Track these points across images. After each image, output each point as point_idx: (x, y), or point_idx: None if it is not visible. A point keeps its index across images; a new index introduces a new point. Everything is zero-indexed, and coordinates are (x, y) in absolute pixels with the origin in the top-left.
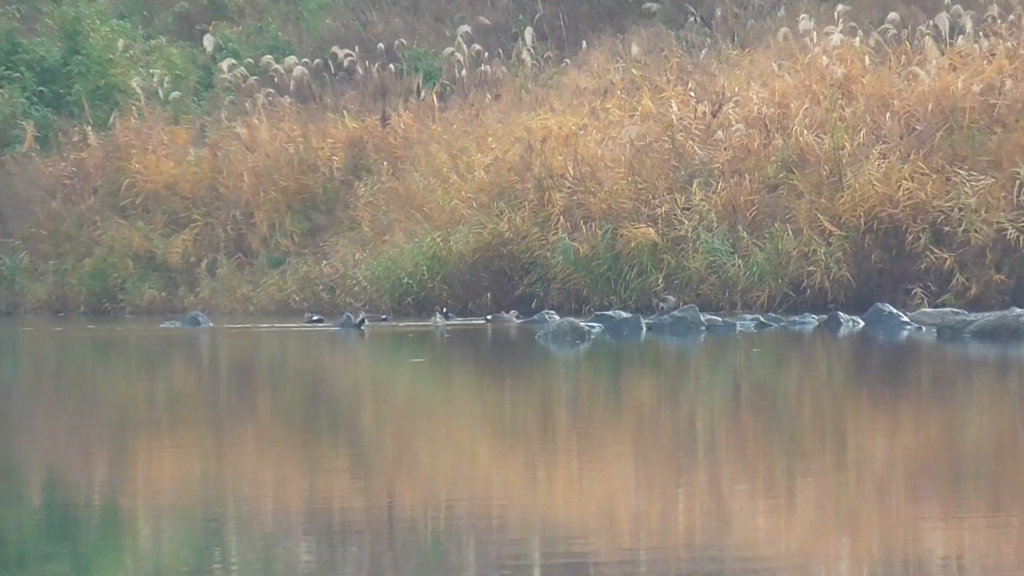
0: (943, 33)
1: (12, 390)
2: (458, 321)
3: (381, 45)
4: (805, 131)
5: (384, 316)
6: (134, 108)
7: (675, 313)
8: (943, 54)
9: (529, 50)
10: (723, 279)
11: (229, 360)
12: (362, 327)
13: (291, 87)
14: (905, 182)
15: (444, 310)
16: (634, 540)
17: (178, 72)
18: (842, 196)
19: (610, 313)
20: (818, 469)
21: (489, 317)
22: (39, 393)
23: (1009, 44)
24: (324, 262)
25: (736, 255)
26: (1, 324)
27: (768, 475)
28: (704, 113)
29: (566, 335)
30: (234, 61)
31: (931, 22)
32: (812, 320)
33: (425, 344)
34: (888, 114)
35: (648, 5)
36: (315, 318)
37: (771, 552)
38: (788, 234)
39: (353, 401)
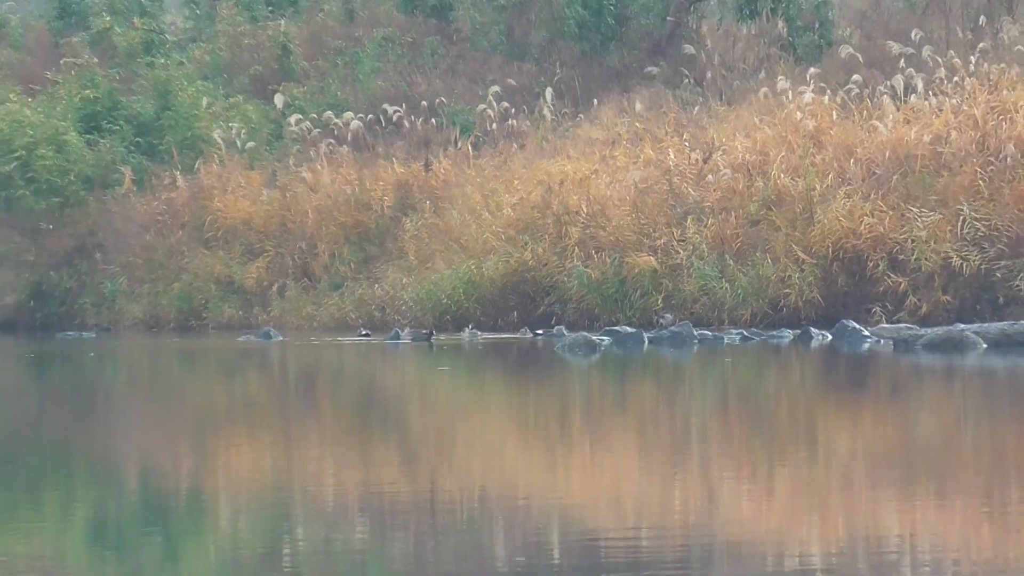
0: (898, 92)
1: (112, 394)
2: (491, 335)
3: (424, 103)
4: (782, 175)
5: (425, 331)
6: (216, 156)
7: (672, 328)
8: (898, 110)
9: (549, 107)
10: (713, 300)
11: (296, 368)
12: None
13: (348, 138)
14: (866, 218)
15: (472, 326)
16: (637, 520)
17: (253, 125)
18: (813, 230)
19: (617, 328)
20: (793, 459)
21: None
22: (135, 396)
23: (954, 101)
24: (376, 285)
25: (724, 279)
26: (103, 339)
27: (751, 464)
28: (696, 160)
29: (580, 347)
30: (300, 116)
31: (888, 83)
32: (788, 334)
33: (465, 354)
34: (852, 160)
35: (649, 69)
36: (364, 332)
37: (754, 529)
38: (767, 262)
39: (403, 402)
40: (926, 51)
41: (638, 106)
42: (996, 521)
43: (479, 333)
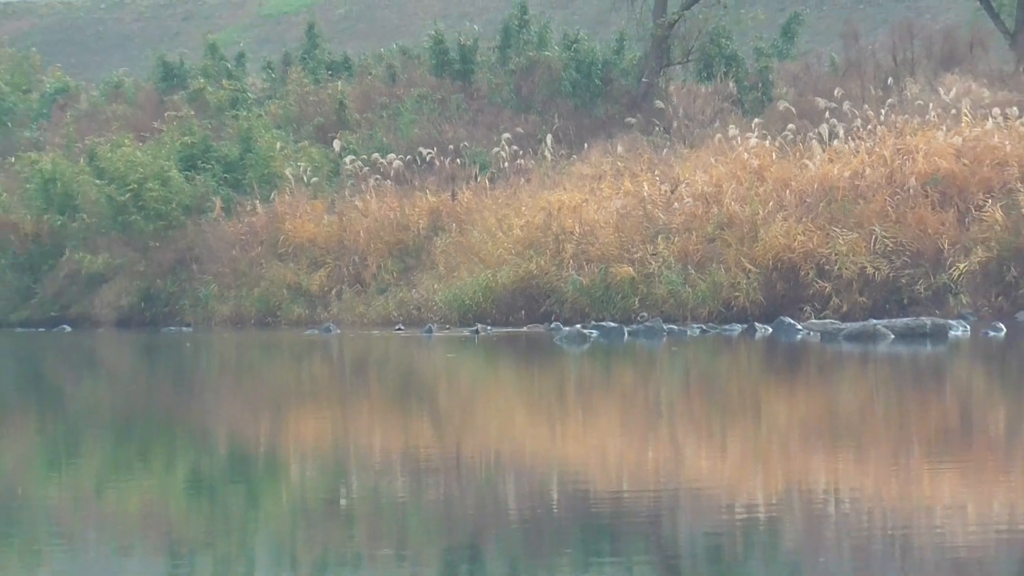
0: (824, 137)
1: (206, 375)
2: (503, 329)
3: (451, 146)
4: (732, 203)
5: (447, 327)
6: (287, 188)
7: (646, 324)
8: (824, 151)
9: (549, 149)
10: (678, 301)
11: (351, 356)
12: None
13: (391, 174)
14: (799, 236)
15: (479, 324)
16: (618, 473)
17: (316, 164)
18: (757, 245)
19: (603, 323)
20: (740, 425)
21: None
22: (224, 377)
23: (868, 144)
24: (413, 290)
25: (687, 285)
26: (197, 333)
27: (707, 429)
28: (665, 191)
29: (575, 338)
30: (354, 157)
31: (816, 130)
32: (737, 328)
33: (483, 345)
34: (788, 191)
35: (628, 119)
36: (398, 327)
37: (711, 480)
38: (721, 271)
39: (434, 380)
40: (846, 105)
41: (619, 149)
42: (902, 473)
43: (489, 328)
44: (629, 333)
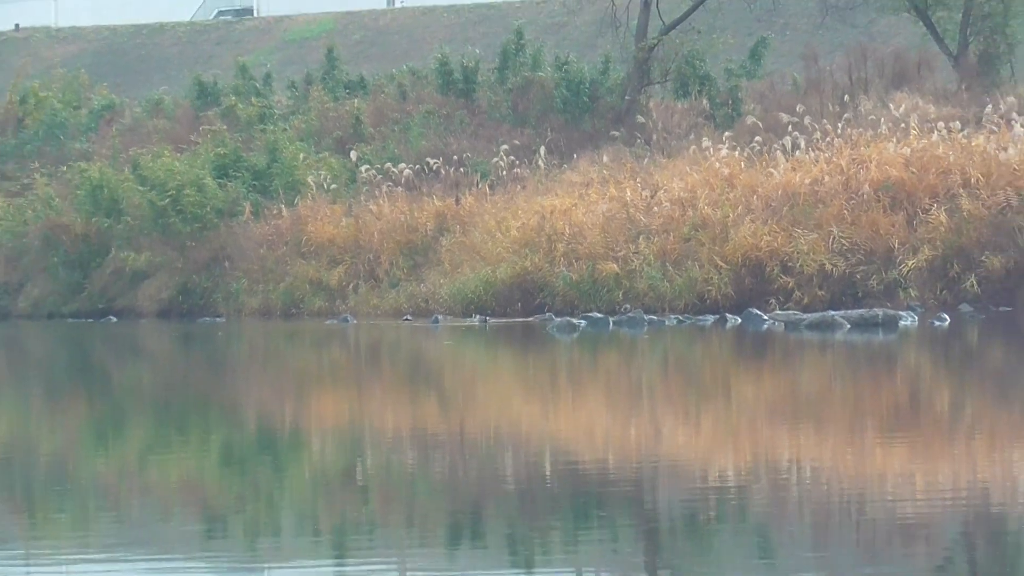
0: (787, 149)
1: (236, 360)
2: (500, 320)
3: (455, 156)
4: (706, 207)
5: (449, 316)
6: (309, 194)
7: (629, 315)
8: (787, 161)
9: (542, 159)
10: (657, 294)
11: (366, 343)
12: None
13: (402, 181)
14: (765, 237)
15: (478, 315)
16: (604, 449)
17: (335, 173)
18: (728, 245)
19: (591, 315)
20: (713, 404)
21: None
22: (253, 362)
23: (826, 155)
24: (422, 284)
25: (665, 280)
26: (229, 323)
27: (683, 409)
28: (646, 196)
29: (565, 328)
30: (368, 166)
31: (780, 142)
32: (710, 319)
33: (486, 333)
34: (755, 196)
35: (613, 132)
36: (406, 318)
37: (687, 455)
38: (696, 268)
39: (440, 366)
40: (807, 119)
41: (605, 159)
42: (857, 447)
43: (488, 318)
44: (614, 323)
